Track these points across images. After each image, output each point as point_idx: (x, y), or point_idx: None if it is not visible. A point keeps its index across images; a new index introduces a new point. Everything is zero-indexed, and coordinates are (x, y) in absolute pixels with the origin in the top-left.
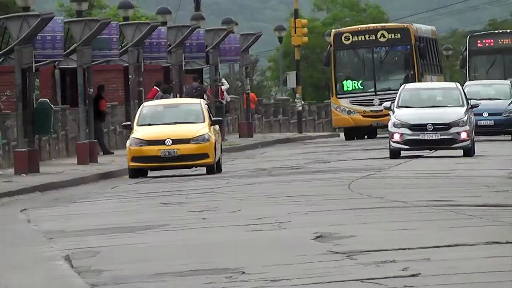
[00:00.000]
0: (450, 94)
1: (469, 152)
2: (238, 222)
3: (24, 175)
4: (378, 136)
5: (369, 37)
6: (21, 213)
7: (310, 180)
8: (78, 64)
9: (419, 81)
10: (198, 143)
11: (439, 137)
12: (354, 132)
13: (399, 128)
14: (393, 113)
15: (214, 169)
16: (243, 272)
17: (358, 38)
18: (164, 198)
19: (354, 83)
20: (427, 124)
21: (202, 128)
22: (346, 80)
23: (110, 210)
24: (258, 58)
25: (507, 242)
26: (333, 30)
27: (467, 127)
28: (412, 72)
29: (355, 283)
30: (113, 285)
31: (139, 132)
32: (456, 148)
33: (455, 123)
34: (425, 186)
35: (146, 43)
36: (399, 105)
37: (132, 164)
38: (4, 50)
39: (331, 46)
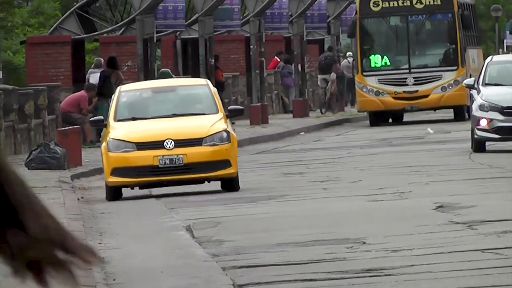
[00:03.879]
0: None
1: None
2: (359, 192)
3: None
4: (405, 120)
5: (403, 3)
6: None
7: (431, 150)
8: (199, 34)
9: (462, 57)
10: (215, 144)
11: None
12: (381, 116)
13: (487, 112)
14: (478, 92)
15: (237, 183)
16: (364, 242)
17: (389, 4)
18: (285, 168)
19: (384, 58)
20: None
21: (217, 122)
22: (374, 55)
23: None
24: None
25: None
26: None
27: None
28: (454, 46)
29: (475, 253)
30: (234, 255)
31: (120, 130)
32: None
33: None
34: None
35: (267, 13)
36: (486, 82)
37: (112, 179)
38: (126, 20)
39: (356, 13)
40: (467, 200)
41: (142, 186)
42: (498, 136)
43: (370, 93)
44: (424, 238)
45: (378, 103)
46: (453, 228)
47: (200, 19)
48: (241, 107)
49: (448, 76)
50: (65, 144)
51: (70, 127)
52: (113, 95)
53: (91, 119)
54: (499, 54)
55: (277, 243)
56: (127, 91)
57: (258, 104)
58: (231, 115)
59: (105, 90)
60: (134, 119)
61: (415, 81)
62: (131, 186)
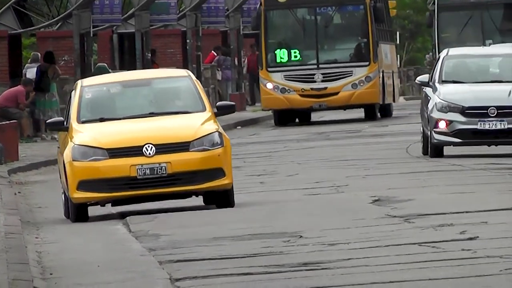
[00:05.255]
0: None
1: None
2: (296, 186)
3: None
4: (313, 120)
5: None
6: None
7: (368, 143)
8: (136, 29)
9: (374, 51)
10: (205, 149)
11: (506, 127)
12: (288, 115)
13: (446, 112)
14: (435, 90)
15: (232, 196)
16: (301, 236)
17: None
18: None
19: (291, 53)
20: (489, 107)
21: (206, 122)
22: (280, 49)
23: None
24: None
25: None
26: None
27: None
28: (365, 40)
29: (412, 247)
30: (171, 249)
31: (87, 134)
32: None
33: None
34: (483, 149)
35: (204, 7)
36: (443, 79)
37: (79, 194)
38: (62, 15)
39: (261, 4)
40: (404, 193)
41: (116, 202)
42: (459, 140)
43: (276, 90)
44: (361, 232)
45: (284, 101)
46: (390, 221)
47: (137, 14)
48: (232, 103)
49: (360, 72)
50: (2, 139)
51: (7, 122)
52: (73, 91)
53: (47, 121)
54: (436, 47)
55: (214, 237)
56: (91, 86)
57: None
58: (221, 113)
59: (42, 85)
60: (102, 120)
61: (323, 77)
62: (103, 202)
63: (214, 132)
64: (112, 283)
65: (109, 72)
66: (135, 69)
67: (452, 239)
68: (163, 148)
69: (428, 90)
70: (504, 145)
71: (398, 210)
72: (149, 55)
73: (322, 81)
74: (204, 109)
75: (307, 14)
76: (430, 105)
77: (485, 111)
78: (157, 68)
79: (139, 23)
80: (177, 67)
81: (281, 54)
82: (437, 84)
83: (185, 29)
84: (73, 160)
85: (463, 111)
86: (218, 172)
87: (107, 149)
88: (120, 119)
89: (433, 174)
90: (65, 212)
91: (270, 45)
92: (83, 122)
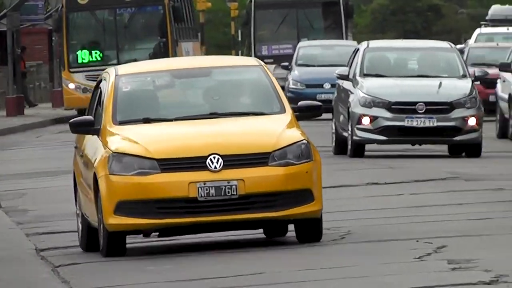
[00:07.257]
0: (440, 59)
1: (477, 148)
2: None
3: None
4: None
5: None
6: None
7: None
8: (7, 28)
9: (173, 50)
10: (289, 163)
11: (435, 124)
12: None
13: (370, 108)
14: (356, 84)
15: (321, 226)
16: None
17: None
18: None
19: (92, 53)
20: (417, 102)
21: (288, 128)
22: (82, 50)
23: (36, 157)
24: None
25: (385, 183)
26: None
27: (475, 111)
28: (164, 39)
29: None
30: (37, 223)
31: (127, 138)
32: (459, 142)
33: (460, 103)
34: (315, 133)
35: None
36: (365, 72)
37: (117, 220)
38: None
39: (62, 6)
40: None
41: (167, 232)
42: (384, 138)
43: (78, 90)
44: None
45: (86, 100)
46: None
47: (8, 14)
48: (319, 103)
49: None
50: None
51: None
52: (102, 81)
53: (70, 121)
54: (252, 44)
55: (75, 213)
56: (129, 76)
57: (60, 88)
58: (304, 116)
59: None
60: (147, 121)
61: None
62: (149, 231)
63: (301, 141)
64: None
65: None
66: (6, 64)
67: None
68: (233, 161)
69: (346, 84)
70: (432, 144)
71: None
72: (19, 51)
73: None
74: (283, 110)
75: (108, 15)
76: (352, 100)
77: (413, 106)
78: (23, 64)
79: (10, 22)
80: (44, 62)
81: (83, 55)
82: (358, 78)
83: (51, 27)
84: (110, 174)
85: (389, 106)
86: (305, 195)
87: (158, 160)
88: (171, 120)
89: None
90: (83, 242)
91: (72, 46)
92: (122, 123)
